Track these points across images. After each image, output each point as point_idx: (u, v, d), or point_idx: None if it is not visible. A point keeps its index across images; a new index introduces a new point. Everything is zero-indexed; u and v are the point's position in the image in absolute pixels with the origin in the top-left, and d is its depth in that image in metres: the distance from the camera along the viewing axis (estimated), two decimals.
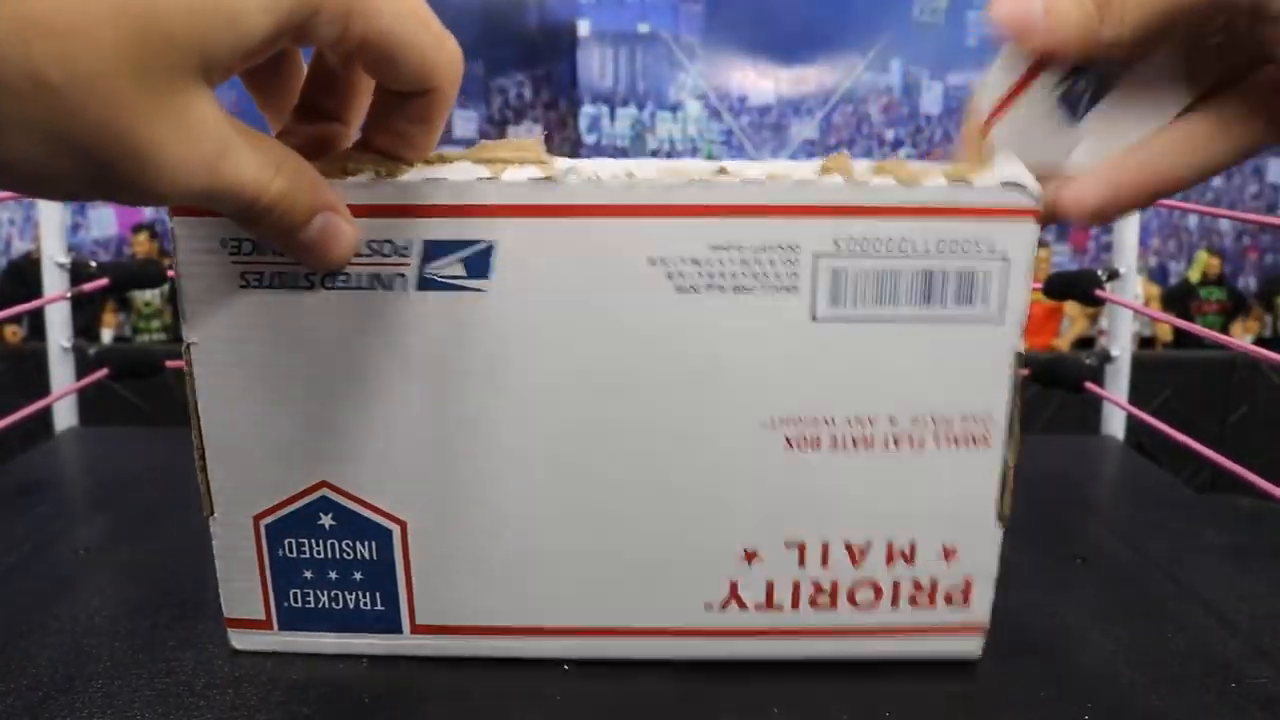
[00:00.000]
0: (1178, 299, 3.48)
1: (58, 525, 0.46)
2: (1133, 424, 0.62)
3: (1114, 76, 0.27)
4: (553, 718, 0.31)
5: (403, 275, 0.29)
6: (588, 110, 3.73)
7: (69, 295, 0.59)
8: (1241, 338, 3.20)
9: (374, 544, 0.32)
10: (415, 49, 0.24)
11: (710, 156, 3.70)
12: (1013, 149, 0.28)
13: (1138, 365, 0.66)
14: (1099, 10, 0.24)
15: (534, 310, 0.30)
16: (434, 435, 0.31)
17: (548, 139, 0.30)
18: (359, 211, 0.28)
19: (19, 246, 3.63)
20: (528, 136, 0.30)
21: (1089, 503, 0.54)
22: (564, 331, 0.30)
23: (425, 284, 0.29)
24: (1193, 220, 3.86)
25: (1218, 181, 3.84)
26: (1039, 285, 0.61)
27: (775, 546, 0.33)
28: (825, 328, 0.30)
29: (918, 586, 0.33)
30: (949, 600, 0.33)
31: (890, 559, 0.33)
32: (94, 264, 0.59)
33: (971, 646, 0.34)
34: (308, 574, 0.33)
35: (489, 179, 0.28)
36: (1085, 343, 3.03)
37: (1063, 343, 3.06)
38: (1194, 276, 3.53)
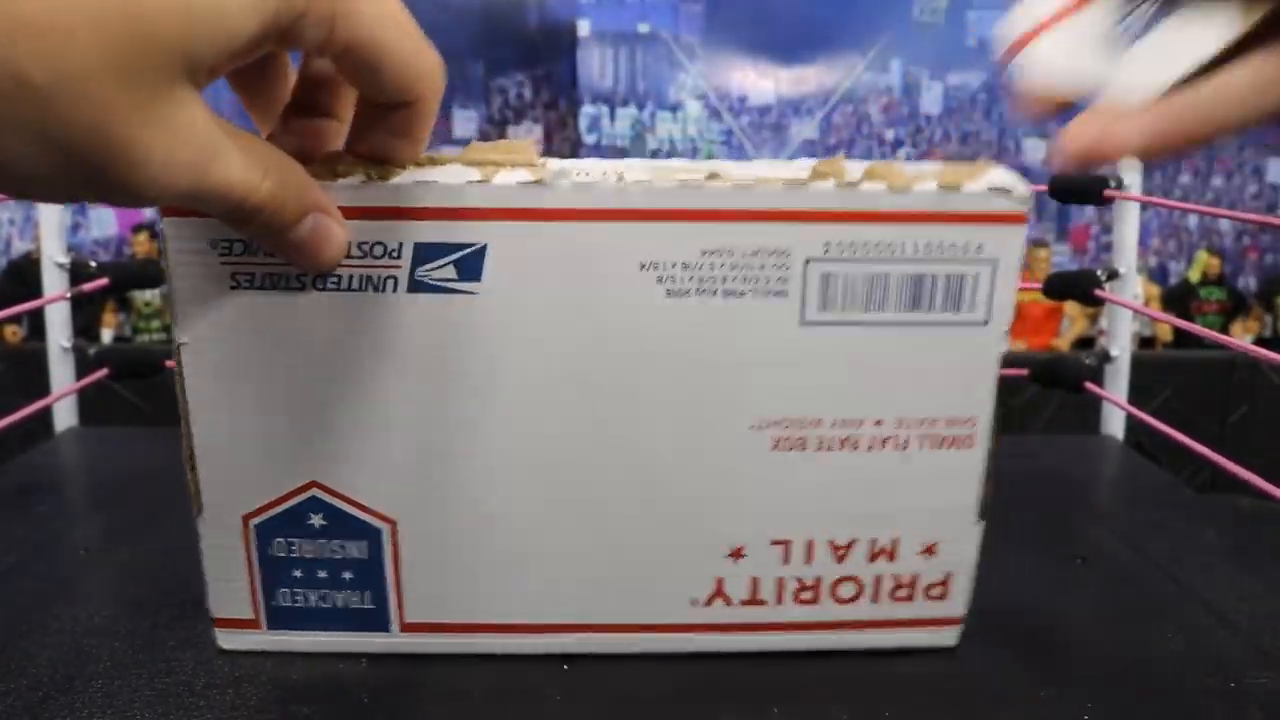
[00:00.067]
0: (1178, 299, 3.48)
1: (58, 525, 0.46)
2: (1132, 424, 0.62)
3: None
4: (553, 716, 0.32)
5: (394, 277, 0.29)
6: (588, 110, 3.73)
7: (69, 295, 0.59)
8: (1241, 338, 3.20)
9: (363, 543, 0.32)
10: (397, 56, 0.24)
11: (710, 156, 3.71)
12: (1053, 69, 0.27)
13: (1137, 365, 0.66)
14: None
15: (525, 313, 0.30)
16: (424, 436, 0.31)
17: (548, 139, 0.30)
18: (350, 213, 0.28)
19: (19, 246, 3.63)
20: (527, 137, 0.30)
21: (1089, 503, 0.54)
22: (554, 334, 0.30)
23: (416, 286, 0.29)
24: (1193, 220, 3.86)
25: (1218, 181, 3.85)
26: (1039, 285, 0.62)
27: (760, 544, 0.33)
28: (814, 331, 0.30)
29: (899, 581, 0.34)
30: (928, 594, 0.34)
31: (873, 556, 0.33)
32: (94, 264, 0.59)
33: (948, 638, 0.35)
34: (297, 573, 0.33)
35: (480, 182, 0.28)
36: (1085, 343, 3.03)
37: (1063, 343, 3.06)
38: (1194, 276, 3.53)
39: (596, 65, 3.72)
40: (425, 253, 0.29)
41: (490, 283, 0.29)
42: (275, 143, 0.29)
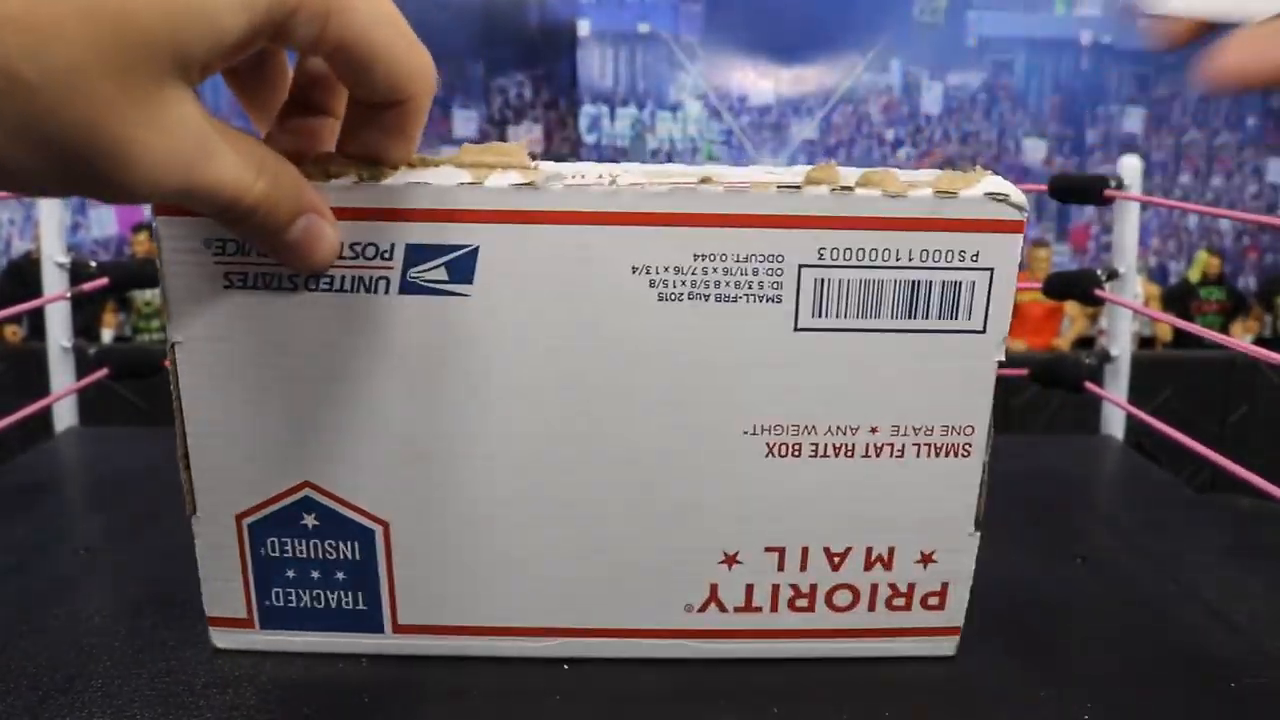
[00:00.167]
0: (1178, 299, 3.48)
1: (58, 525, 0.46)
2: (1132, 424, 0.62)
3: None
4: (553, 716, 0.32)
5: (385, 278, 0.29)
6: (588, 110, 3.73)
7: (69, 295, 0.59)
8: (1241, 338, 3.20)
9: (356, 544, 0.32)
10: (390, 55, 0.24)
11: (710, 157, 3.71)
12: None
13: (1137, 365, 0.66)
14: None
15: (516, 315, 0.30)
16: (416, 437, 0.31)
17: (547, 139, 0.31)
18: (342, 214, 0.28)
19: (19, 246, 3.63)
20: (527, 137, 0.30)
21: (1089, 503, 0.54)
22: (546, 337, 0.30)
23: (408, 287, 0.29)
24: (1193, 220, 3.86)
25: (1218, 181, 3.85)
26: (1039, 285, 0.62)
27: (755, 550, 0.33)
28: (808, 337, 0.30)
29: (895, 590, 0.34)
30: (925, 604, 0.34)
31: (869, 564, 0.33)
32: (94, 264, 0.59)
33: (945, 647, 0.35)
34: (290, 573, 0.33)
35: (472, 184, 0.28)
36: (1085, 343, 3.03)
37: (1063, 343, 3.06)
38: (1194, 276, 3.52)
39: (596, 65, 3.72)
40: (417, 254, 0.29)
41: (482, 285, 0.29)
42: (273, 141, 0.29)
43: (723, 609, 0.34)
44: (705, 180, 0.29)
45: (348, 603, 0.33)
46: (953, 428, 0.31)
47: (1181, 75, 3.76)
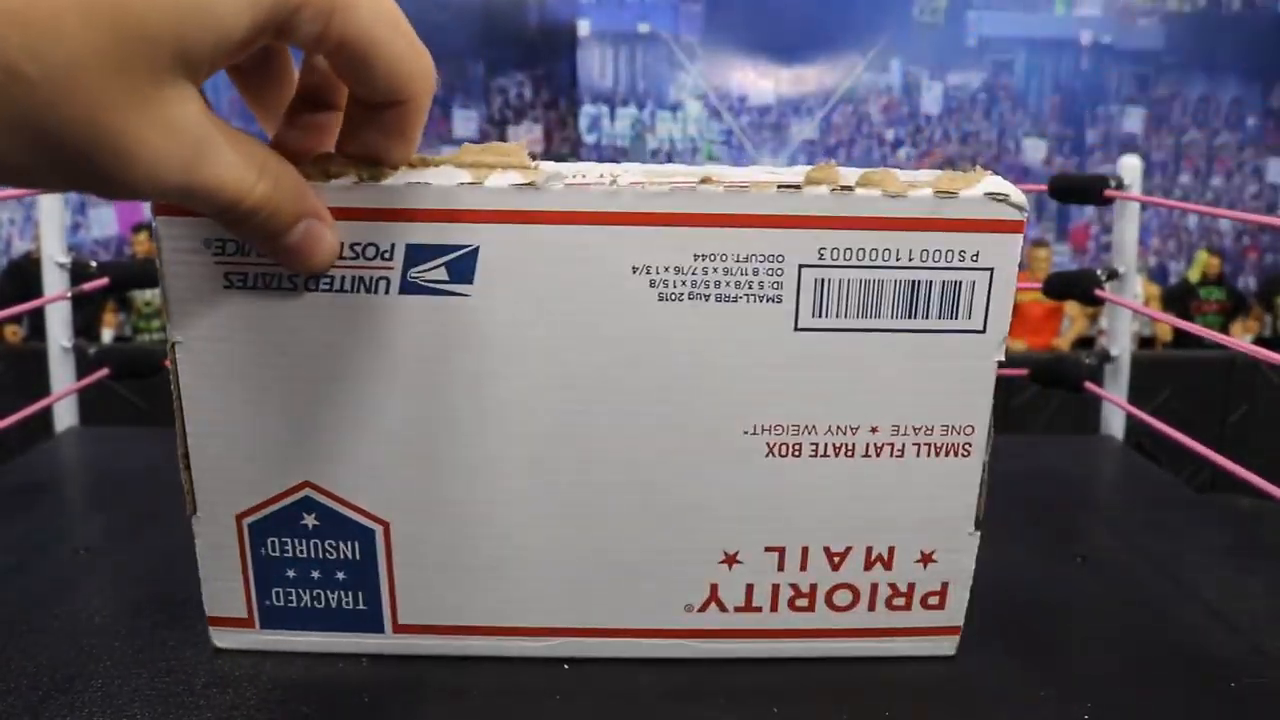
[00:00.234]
0: (1178, 299, 3.48)
1: (58, 525, 0.46)
2: (1132, 424, 0.62)
3: None
4: (554, 716, 0.32)
5: (386, 278, 0.29)
6: (588, 110, 3.73)
7: (69, 295, 0.59)
8: (1241, 338, 3.20)
9: (356, 544, 0.32)
10: (391, 54, 0.24)
11: (710, 156, 3.71)
12: None
13: (1137, 365, 0.66)
14: None
15: (517, 315, 0.30)
16: (417, 437, 0.31)
17: (548, 139, 0.31)
18: (342, 214, 0.28)
19: (19, 246, 3.63)
20: (527, 137, 0.30)
21: (1089, 503, 0.54)
22: (547, 337, 0.30)
23: (408, 288, 0.29)
24: (1193, 220, 3.86)
25: (1218, 181, 3.84)
26: (1039, 285, 0.62)
27: (755, 550, 0.33)
28: (808, 337, 0.30)
29: (895, 590, 0.34)
30: (925, 603, 0.34)
31: (869, 564, 0.33)
32: (94, 264, 0.59)
33: (945, 647, 0.35)
34: (290, 573, 0.33)
35: (472, 184, 0.28)
36: (1085, 343, 3.03)
37: (1063, 343, 3.06)
38: (1194, 276, 3.52)
39: (596, 65, 3.72)
40: (417, 254, 0.29)
41: (482, 285, 0.29)
42: (282, 137, 0.29)
43: (723, 609, 0.34)
44: (705, 180, 0.29)
45: (348, 602, 0.33)
46: (953, 427, 0.31)
47: (1181, 75, 3.76)
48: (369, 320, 0.30)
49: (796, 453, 0.32)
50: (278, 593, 0.33)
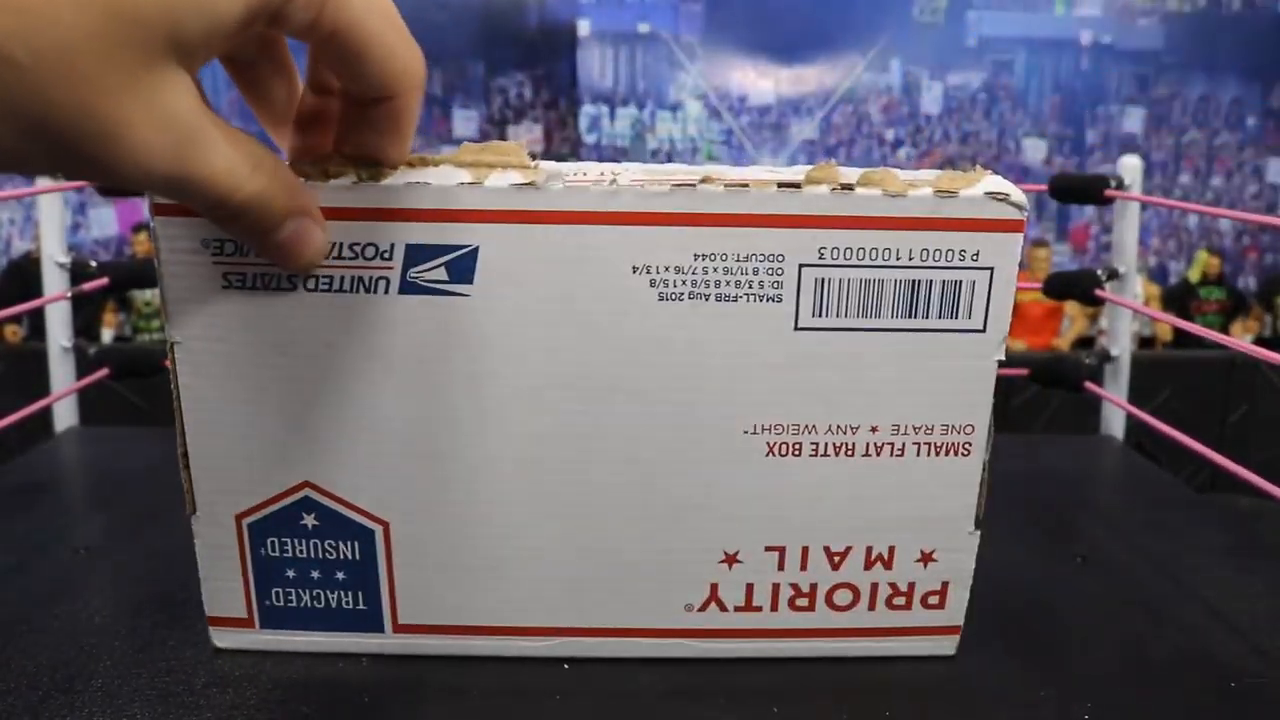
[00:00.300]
0: (1178, 299, 3.48)
1: (58, 525, 0.46)
2: (1132, 424, 0.62)
3: None
4: (554, 716, 0.32)
5: (385, 278, 0.29)
6: (588, 110, 3.73)
7: (69, 295, 0.59)
8: (1241, 338, 3.20)
9: (356, 544, 0.32)
10: (382, 47, 0.24)
11: (710, 156, 3.71)
12: None
13: (1137, 365, 0.66)
14: None
15: (517, 315, 0.30)
16: (416, 437, 0.31)
17: (548, 139, 0.30)
18: (342, 214, 0.28)
19: (19, 246, 3.63)
20: (527, 137, 0.30)
21: (1089, 503, 0.54)
22: (546, 336, 0.30)
23: (408, 288, 0.29)
24: (1193, 220, 3.86)
25: (1218, 181, 3.84)
26: (1039, 285, 0.62)
27: (755, 550, 0.33)
28: (808, 337, 0.30)
29: (895, 590, 0.34)
30: (925, 603, 0.34)
31: (869, 563, 0.33)
32: (94, 264, 0.59)
33: (945, 647, 0.35)
34: (290, 573, 0.33)
35: (472, 184, 0.28)
36: (1085, 343, 3.03)
37: (1063, 343, 3.06)
38: (1194, 276, 3.52)
39: (596, 65, 3.72)
40: (417, 254, 0.29)
41: (482, 285, 0.29)
42: (300, 126, 0.28)
43: (723, 608, 0.34)
44: (705, 180, 0.29)
45: (348, 602, 0.33)
46: (953, 427, 0.31)
47: (1181, 75, 3.76)
48: (369, 320, 0.30)
49: (796, 452, 0.32)
50: (277, 593, 0.33)
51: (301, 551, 0.33)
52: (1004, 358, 0.31)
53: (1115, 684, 0.34)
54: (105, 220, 3.69)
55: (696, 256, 0.29)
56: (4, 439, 0.50)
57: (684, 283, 0.29)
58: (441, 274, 0.29)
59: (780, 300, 0.30)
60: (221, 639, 0.34)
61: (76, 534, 0.45)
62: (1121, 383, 0.64)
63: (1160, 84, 3.78)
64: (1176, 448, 0.48)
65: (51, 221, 0.61)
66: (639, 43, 3.71)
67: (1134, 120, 3.80)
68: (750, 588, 0.33)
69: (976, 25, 3.72)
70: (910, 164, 3.59)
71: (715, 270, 0.29)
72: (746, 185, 0.29)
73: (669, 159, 3.64)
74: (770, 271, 0.29)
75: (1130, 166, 0.60)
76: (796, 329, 0.30)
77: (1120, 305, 0.62)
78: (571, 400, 0.31)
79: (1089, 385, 0.60)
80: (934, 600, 0.34)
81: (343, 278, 0.29)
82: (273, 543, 0.33)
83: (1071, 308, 3.01)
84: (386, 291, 0.29)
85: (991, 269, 0.30)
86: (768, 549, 0.33)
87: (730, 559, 0.33)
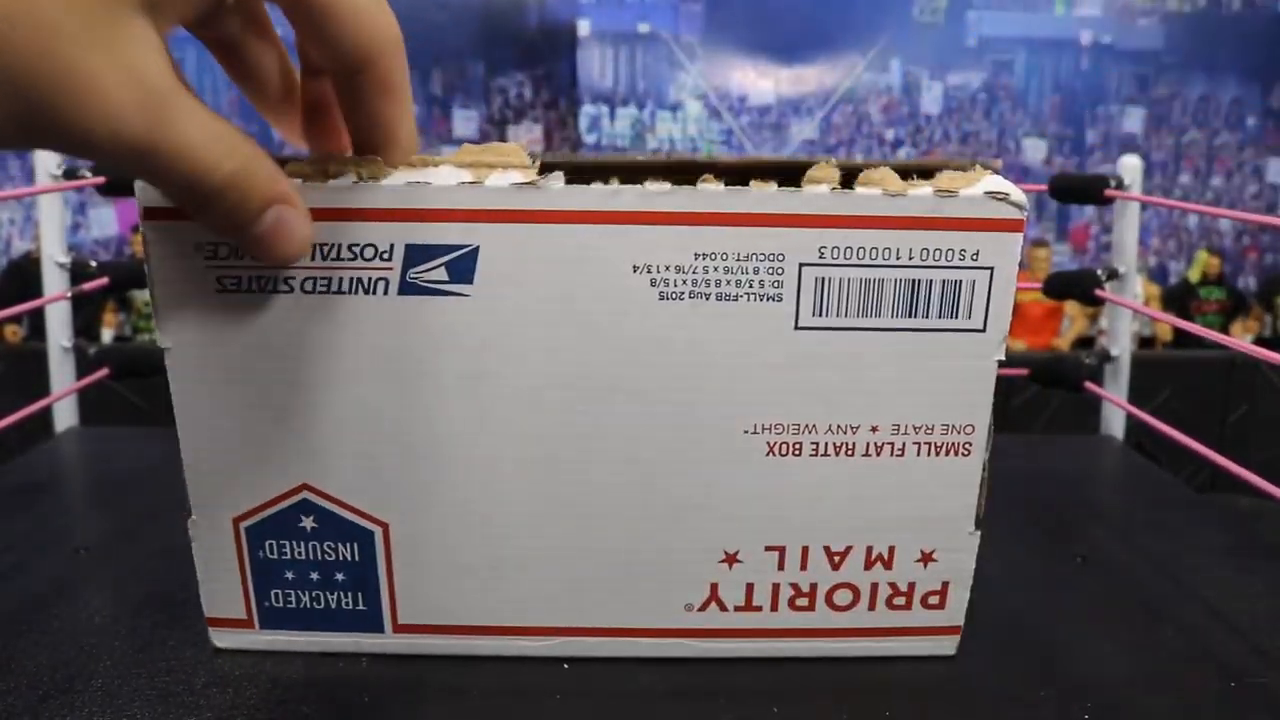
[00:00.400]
0: (1178, 299, 3.48)
1: (58, 525, 0.46)
2: (1132, 424, 0.62)
3: None
4: (554, 716, 0.32)
5: (385, 279, 0.29)
6: (588, 110, 3.73)
7: (69, 295, 0.59)
8: (1241, 338, 3.20)
9: (355, 545, 0.32)
10: (351, 8, 0.24)
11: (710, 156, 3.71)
12: None
13: (1137, 365, 0.66)
14: None
15: (517, 315, 0.30)
16: (416, 438, 0.31)
17: (548, 139, 0.30)
18: (341, 215, 0.28)
19: (19, 246, 3.63)
20: (527, 137, 0.30)
21: (1089, 503, 0.54)
22: (547, 336, 0.30)
23: (407, 288, 0.29)
24: (1193, 220, 3.86)
25: (1218, 181, 3.85)
26: (1039, 285, 0.62)
27: (755, 550, 0.33)
28: (808, 336, 0.30)
29: (895, 590, 0.34)
30: (925, 603, 0.34)
31: (869, 563, 0.33)
32: (94, 264, 0.59)
33: (946, 647, 0.35)
34: (289, 575, 0.33)
35: (472, 184, 0.28)
36: (1085, 342, 3.03)
37: (1063, 342, 3.06)
38: (1194, 276, 3.53)
39: (596, 65, 3.72)
40: (417, 255, 0.29)
41: (482, 285, 0.29)
42: (310, 109, 0.28)
43: (723, 608, 0.34)
44: (705, 179, 0.29)
45: (347, 603, 0.33)
46: (953, 427, 0.31)
47: (1181, 75, 3.76)
48: (367, 321, 0.30)
49: (796, 452, 0.32)
50: (276, 594, 0.33)
51: (300, 553, 0.33)
52: (1004, 358, 0.31)
53: (1115, 684, 0.34)
54: (105, 220, 3.69)
55: (697, 256, 0.29)
56: (4, 439, 0.50)
57: (684, 282, 0.29)
58: (441, 274, 0.29)
59: (780, 300, 0.30)
60: (221, 639, 0.34)
61: (76, 534, 0.45)
62: (1121, 383, 0.64)
63: (1160, 84, 3.78)
64: (1176, 448, 0.48)
65: (51, 221, 0.61)
66: (639, 43, 3.71)
67: (1134, 120, 3.80)
68: (750, 588, 0.33)
69: (976, 25, 3.72)
70: None
71: (716, 269, 0.29)
72: (747, 185, 0.29)
73: None
74: (771, 271, 0.29)
75: (1130, 166, 0.60)
76: (797, 328, 0.30)
77: (1120, 305, 0.62)
78: (571, 399, 0.31)
79: (1089, 385, 0.60)
80: (934, 600, 0.34)
81: (341, 278, 0.29)
82: (271, 545, 0.33)
83: (1071, 308, 3.01)
84: (386, 292, 0.29)
85: (991, 269, 0.30)
86: (768, 549, 0.33)
87: (730, 559, 0.33)
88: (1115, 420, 0.65)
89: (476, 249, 0.29)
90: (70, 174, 0.57)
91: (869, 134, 3.82)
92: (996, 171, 0.30)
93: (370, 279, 0.29)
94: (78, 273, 0.60)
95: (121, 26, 0.20)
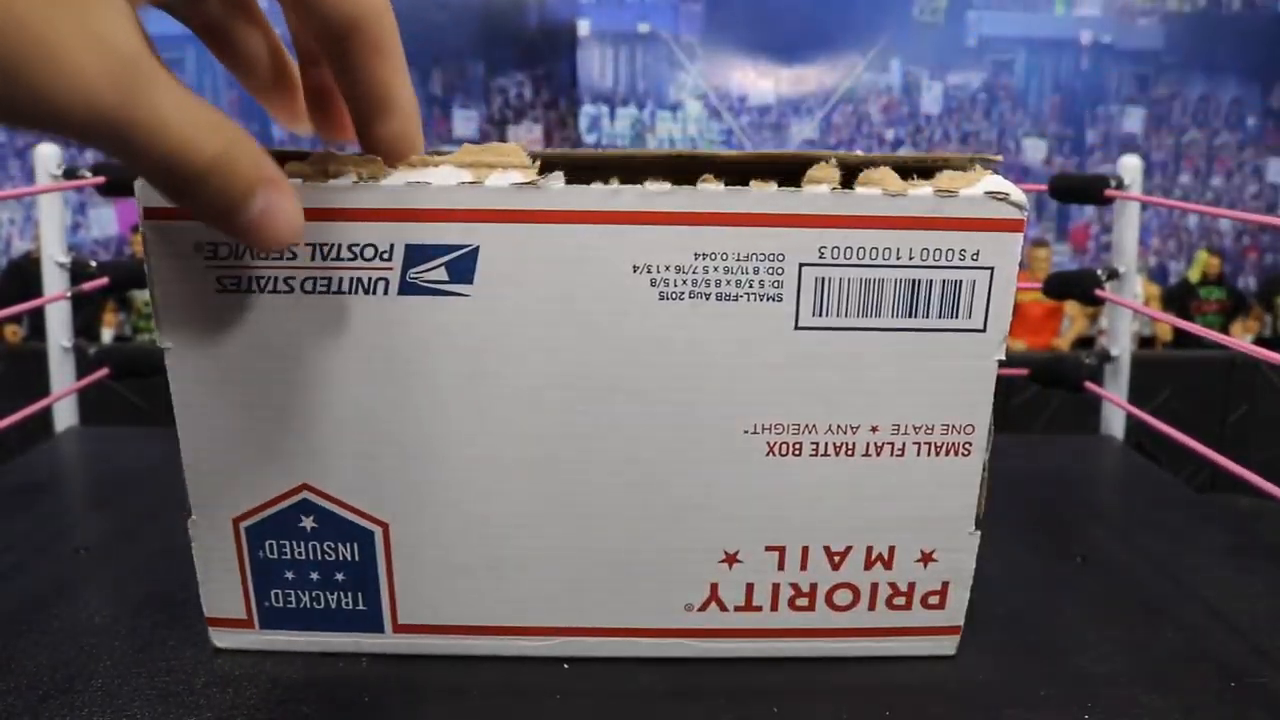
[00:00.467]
0: (1178, 299, 3.48)
1: (58, 525, 0.46)
2: (1132, 424, 0.62)
3: None
4: (554, 715, 0.32)
5: (385, 279, 0.29)
6: (588, 110, 3.73)
7: (69, 295, 0.59)
8: (1241, 338, 3.20)
9: (355, 545, 0.32)
10: None
11: None
12: None
13: (1137, 365, 0.66)
14: None
15: (517, 315, 0.30)
16: (416, 438, 0.31)
17: (548, 139, 0.30)
18: (341, 215, 0.28)
19: (19, 246, 3.63)
20: (527, 137, 0.30)
21: (1089, 503, 0.54)
22: (547, 337, 0.30)
23: (407, 288, 0.29)
24: (1193, 220, 3.86)
25: (1218, 181, 3.84)
26: (1039, 285, 0.62)
27: (755, 550, 0.33)
28: (808, 336, 0.30)
29: (895, 590, 0.34)
30: (925, 603, 0.34)
31: (869, 563, 0.33)
32: (94, 264, 0.59)
33: (946, 647, 0.35)
34: (289, 575, 0.33)
35: (472, 183, 0.28)
36: (1085, 342, 3.03)
37: (1063, 342, 3.06)
38: (1194, 276, 3.52)
39: (596, 65, 3.72)
40: (417, 254, 0.29)
41: (482, 285, 0.29)
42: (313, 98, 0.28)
43: (723, 608, 0.34)
44: (705, 179, 0.29)
45: (347, 603, 0.33)
46: (953, 427, 0.31)
47: (1181, 75, 3.76)
48: (367, 321, 0.30)
49: (796, 452, 0.32)
50: (276, 594, 0.33)
51: (300, 553, 0.33)
52: (1004, 357, 0.31)
53: (1115, 684, 0.34)
54: (105, 220, 3.69)
55: (697, 256, 0.29)
56: (4, 439, 0.50)
57: (684, 282, 0.29)
58: (441, 274, 0.29)
59: (780, 300, 0.30)
60: (221, 639, 0.34)
61: (76, 534, 0.45)
62: (1121, 383, 0.64)
63: (1160, 84, 3.78)
64: (1176, 448, 0.48)
65: (51, 221, 0.61)
66: (639, 43, 3.71)
67: (1134, 120, 3.80)
68: (750, 587, 0.33)
69: (976, 25, 3.72)
70: None
71: (716, 269, 0.29)
72: (747, 184, 0.29)
73: None
74: (771, 271, 0.29)
75: (1130, 166, 0.60)
76: (797, 328, 0.30)
77: (1120, 305, 0.62)
78: (571, 399, 0.31)
79: (1089, 385, 0.60)
80: (934, 600, 0.34)
81: (341, 278, 0.29)
82: (271, 545, 0.33)
83: (1071, 308, 3.01)
84: (386, 292, 0.29)
85: (991, 269, 0.30)
86: (768, 549, 0.33)
87: (730, 559, 0.33)
88: (1115, 420, 0.65)
89: (476, 249, 0.29)
90: (70, 174, 0.57)
91: (869, 134, 3.81)
92: (997, 164, 0.30)
93: (370, 279, 0.29)
94: (78, 273, 0.60)
95: None
